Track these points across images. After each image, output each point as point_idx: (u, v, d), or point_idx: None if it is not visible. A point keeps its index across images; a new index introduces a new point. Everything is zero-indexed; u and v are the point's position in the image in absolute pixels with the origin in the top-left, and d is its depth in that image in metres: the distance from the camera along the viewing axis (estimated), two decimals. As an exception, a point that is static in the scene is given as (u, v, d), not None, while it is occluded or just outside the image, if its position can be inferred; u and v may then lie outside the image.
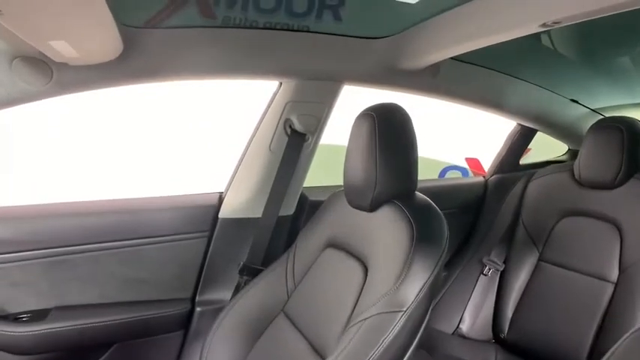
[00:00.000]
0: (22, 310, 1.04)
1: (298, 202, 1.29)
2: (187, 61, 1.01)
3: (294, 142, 1.16)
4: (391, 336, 0.74)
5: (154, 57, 0.96)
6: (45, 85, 0.89)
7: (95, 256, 1.10)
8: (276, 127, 1.15)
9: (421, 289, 0.77)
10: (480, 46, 0.97)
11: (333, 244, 1.01)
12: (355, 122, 0.94)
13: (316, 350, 0.91)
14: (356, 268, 0.91)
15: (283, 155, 1.17)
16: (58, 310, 1.06)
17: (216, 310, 1.12)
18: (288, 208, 1.26)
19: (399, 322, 0.75)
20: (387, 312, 0.77)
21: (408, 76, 1.20)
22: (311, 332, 0.95)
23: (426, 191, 0.96)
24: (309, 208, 1.29)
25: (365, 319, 0.78)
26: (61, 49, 0.74)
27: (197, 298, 1.22)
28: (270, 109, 1.16)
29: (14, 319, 1.02)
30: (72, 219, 1.10)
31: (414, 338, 0.80)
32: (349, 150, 0.94)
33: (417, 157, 0.93)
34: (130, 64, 0.93)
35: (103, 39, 0.78)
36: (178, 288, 1.20)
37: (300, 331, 0.98)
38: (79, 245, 1.08)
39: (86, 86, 0.95)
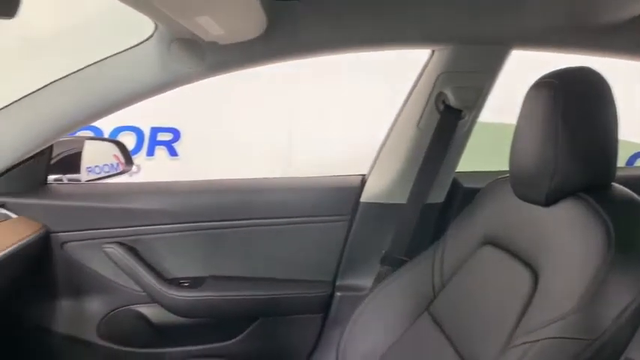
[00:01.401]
0: (183, 276, 1.14)
1: (450, 188, 1.14)
2: (333, 34, 0.95)
3: (448, 120, 1.02)
4: None
5: (298, 31, 0.93)
6: (199, 66, 0.92)
7: (247, 231, 1.15)
8: (427, 102, 1.02)
9: (621, 314, 0.57)
10: None
11: (493, 242, 0.84)
12: (529, 93, 0.74)
13: None
14: (522, 274, 0.73)
15: (433, 134, 1.03)
16: (212, 280, 1.14)
17: (356, 297, 1.07)
18: (438, 195, 1.12)
19: (583, 354, 0.57)
20: (567, 338, 0.59)
21: (603, 34, 0.93)
22: (460, 341, 0.82)
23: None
24: (463, 196, 1.14)
25: (535, 342, 0.62)
26: (207, 25, 0.74)
27: (337, 282, 1.18)
28: (419, 82, 1.03)
29: (178, 283, 1.13)
30: (229, 195, 1.17)
31: None
32: (519, 128, 0.75)
33: (616, 137, 0.70)
34: (276, 40, 0.92)
35: (246, 13, 0.77)
36: (320, 270, 1.18)
37: (447, 336, 0.86)
38: (233, 220, 1.14)
39: (236, 66, 0.97)
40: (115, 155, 1.44)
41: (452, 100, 1.00)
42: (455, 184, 1.15)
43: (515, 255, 0.77)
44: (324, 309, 1.18)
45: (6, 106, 1.00)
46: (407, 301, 0.96)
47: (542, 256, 0.71)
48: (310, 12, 0.89)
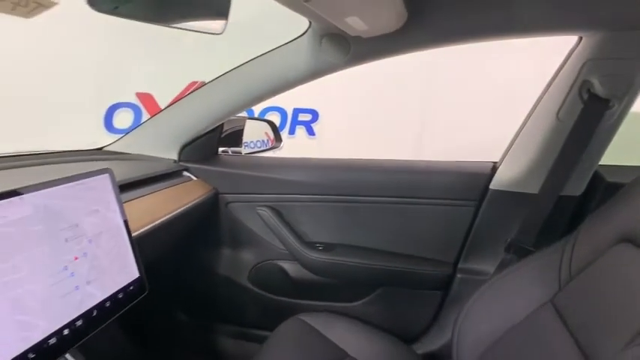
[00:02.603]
0: (318, 241, 1.30)
1: (591, 181, 1.08)
2: (474, 22, 0.97)
3: (592, 109, 0.97)
4: None
5: (435, 23, 0.97)
6: (345, 57, 1.04)
7: (377, 207, 1.25)
8: (569, 90, 0.98)
9: None
10: None
11: (631, 239, 0.81)
12: None
13: (586, 357, 0.77)
14: None
15: (575, 124, 0.99)
16: (342, 247, 1.28)
17: (477, 281, 1.10)
18: (575, 188, 1.07)
19: None
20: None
21: None
22: (582, 335, 0.81)
23: None
24: (605, 190, 1.07)
25: None
26: (354, 24, 0.85)
27: (459, 264, 1.22)
28: (563, 70, 0.99)
29: (313, 246, 1.29)
30: (365, 174, 1.28)
31: None
32: None
33: None
34: (414, 31, 0.98)
35: (389, 11, 0.85)
36: (443, 251, 1.23)
37: (568, 329, 0.85)
38: (366, 196, 1.25)
39: (377, 56, 1.06)
40: (266, 133, 1.68)
41: (598, 88, 0.95)
42: (596, 177, 1.09)
43: None
44: (444, 288, 1.23)
45: (189, 94, 1.26)
46: (530, 289, 0.96)
47: None
48: (446, 3, 0.93)
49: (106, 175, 0.76)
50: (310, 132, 3.91)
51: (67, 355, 0.65)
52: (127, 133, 1.33)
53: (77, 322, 0.64)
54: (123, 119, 3.63)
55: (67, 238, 0.65)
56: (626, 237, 0.82)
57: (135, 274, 0.78)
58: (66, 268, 0.65)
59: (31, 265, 0.59)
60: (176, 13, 0.88)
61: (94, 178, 0.73)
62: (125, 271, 0.76)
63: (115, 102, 3.60)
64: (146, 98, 3.65)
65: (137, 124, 3.66)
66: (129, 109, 3.64)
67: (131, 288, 0.76)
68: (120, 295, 0.74)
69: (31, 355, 0.57)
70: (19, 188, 0.60)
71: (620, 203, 0.87)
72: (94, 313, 0.68)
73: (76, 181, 0.70)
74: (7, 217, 0.58)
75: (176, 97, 3.63)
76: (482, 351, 0.97)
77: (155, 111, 3.66)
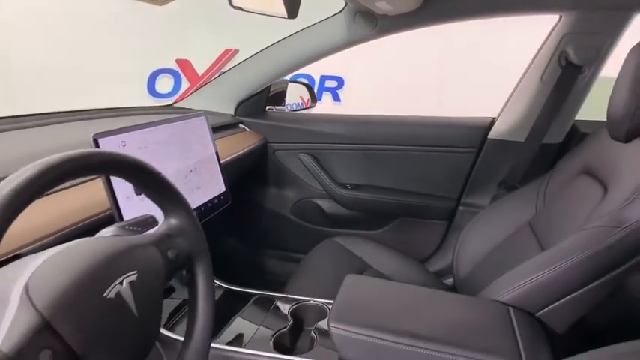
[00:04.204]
0: (348, 182, 1.61)
1: (568, 133, 1.35)
2: (474, 2, 1.22)
3: (568, 74, 1.23)
4: (597, 248, 0.83)
5: (444, 3, 1.23)
6: (373, 30, 1.31)
7: (395, 154, 1.54)
8: (550, 58, 1.24)
9: None
10: None
11: (588, 172, 1.08)
12: (628, 53, 0.95)
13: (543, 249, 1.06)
14: (598, 191, 0.98)
15: (554, 86, 1.25)
16: (367, 187, 1.58)
17: (475, 212, 1.38)
18: (555, 137, 1.35)
19: (614, 237, 0.83)
20: (605, 226, 0.85)
21: None
22: (546, 240, 1.10)
23: None
24: (579, 139, 1.33)
25: (585, 230, 0.89)
26: (382, 6, 1.12)
27: (462, 199, 1.52)
28: (546, 42, 1.25)
29: (345, 186, 1.60)
30: (385, 127, 1.56)
31: (632, 258, 0.85)
32: (617, 80, 0.97)
33: None
34: (430, 9, 1.24)
35: (409, -4, 1.12)
36: (448, 189, 1.53)
37: (537, 239, 1.14)
38: (386, 145, 1.54)
39: (399, 30, 1.33)
40: (300, 96, 1.97)
41: (574, 57, 1.20)
42: (573, 129, 1.35)
43: (598, 180, 1.01)
44: (448, 218, 1.54)
45: (245, 60, 1.55)
46: (513, 215, 1.25)
47: (613, 178, 0.94)
48: None
49: (203, 118, 1.07)
50: (336, 98, 4.17)
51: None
52: (191, 92, 1.64)
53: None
54: (164, 84, 3.95)
55: (187, 157, 0.98)
56: (585, 170, 1.09)
57: (223, 188, 1.10)
58: (186, 176, 0.97)
59: (169, 172, 0.92)
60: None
61: (197, 119, 1.05)
62: (217, 185, 1.09)
63: (156, 68, 3.91)
64: (184, 64, 3.94)
65: (177, 89, 3.99)
66: (169, 75, 3.95)
67: (221, 197, 1.09)
68: (215, 201, 1.07)
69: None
70: (156, 121, 0.92)
71: (583, 148, 1.14)
72: (202, 209, 1.01)
73: (187, 120, 1.01)
74: (152, 139, 0.90)
75: (212, 64, 3.93)
76: (473, 266, 1.27)
77: (193, 76, 3.97)
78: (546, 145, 1.34)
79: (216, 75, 1.95)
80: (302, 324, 0.96)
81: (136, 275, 0.49)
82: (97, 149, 0.56)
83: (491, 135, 1.43)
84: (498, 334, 0.79)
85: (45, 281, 0.42)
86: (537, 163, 1.35)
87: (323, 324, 0.92)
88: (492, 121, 1.44)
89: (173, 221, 0.60)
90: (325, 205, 1.63)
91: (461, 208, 1.51)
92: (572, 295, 0.87)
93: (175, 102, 1.67)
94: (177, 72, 3.92)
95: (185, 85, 3.94)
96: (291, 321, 0.92)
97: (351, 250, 1.41)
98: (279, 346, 0.86)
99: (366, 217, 1.60)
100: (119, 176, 0.53)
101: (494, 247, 1.25)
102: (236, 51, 3.85)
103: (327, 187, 1.59)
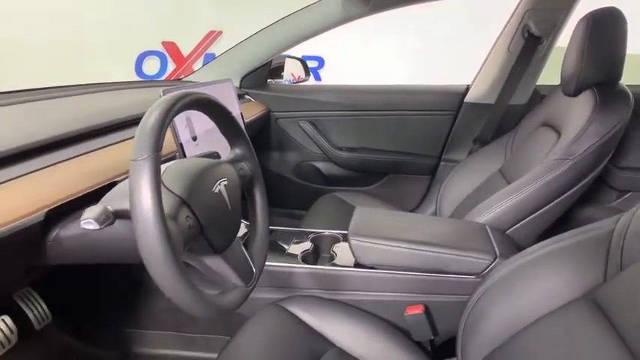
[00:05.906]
0: (344, 145, 1.82)
1: (532, 95, 1.60)
2: None
3: (530, 44, 1.47)
4: (553, 175, 1.06)
5: None
6: (365, 7, 1.51)
7: (383, 119, 1.75)
8: (515, 31, 1.48)
9: (590, 147, 1.06)
10: None
11: (546, 123, 1.32)
12: (577, 23, 1.18)
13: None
14: (553, 136, 1.20)
15: (519, 55, 1.49)
16: (360, 148, 1.80)
17: (454, 165, 1.62)
18: (520, 99, 1.59)
19: (566, 165, 1.07)
20: (559, 159, 1.09)
21: None
22: (512, 181, 1.34)
23: None
24: (540, 100, 1.58)
25: (544, 163, 1.13)
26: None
27: (442, 156, 1.76)
28: (512, 17, 1.48)
29: (341, 148, 1.81)
30: (374, 95, 1.78)
31: (578, 184, 1.10)
32: (568, 45, 1.18)
33: (623, 54, 1.12)
34: None
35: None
36: (431, 147, 1.76)
37: (508, 182, 1.37)
38: (376, 111, 1.76)
39: (390, 6, 1.53)
40: (292, 73, 2.15)
41: (534, 30, 1.44)
42: (535, 92, 1.60)
43: (554, 129, 1.25)
44: (431, 173, 1.78)
45: (248, 38, 1.72)
46: (486, 165, 1.48)
47: (565, 124, 1.18)
48: None
49: (230, 83, 1.26)
50: (317, 77, 4.35)
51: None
52: (199, 68, 1.81)
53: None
54: (151, 66, 4.04)
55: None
56: (544, 122, 1.33)
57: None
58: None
59: (209, 127, 1.11)
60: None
61: (224, 83, 1.23)
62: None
63: (143, 50, 3.99)
64: (170, 46, 4.03)
65: (164, 70, 4.06)
66: (156, 57, 4.03)
67: (245, 151, 1.28)
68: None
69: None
70: (198, 83, 1.10)
71: (543, 105, 1.38)
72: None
73: (216, 84, 1.20)
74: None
75: (197, 45, 4.04)
76: (453, 210, 1.49)
77: (179, 58, 4.07)
78: (513, 106, 1.59)
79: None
80: (319, 250, 1.18)
81: (226, 181, 0.69)
82: (199, 91, 0.73)
83: (467, 99, 1.66)
84: (477, 240, 1.03)
85: (173, 178, 0.62)
86: (506, 121, 1.59)
87: (338, 245, 1.14)
88: (467, 88, 1.68)
89: (238, 150, 0.80)
90: (323, 166, 1.84)
91: (442, 163, 1.75)
92: (536, 214, 1.11)
93: (184, 76, 1.83)
94: (164, 54, 4.01)
95: (171, 67, 4.03)
96: (312, 245, 1.13)
97: (348, 202, 1.62)
98: (306, 263, 1.08)
99: (359, 175, 1.82)
100: (206, 112, 0.73)
101: (472, 192, 1.49)
102: (220, 32, 3.97)
103: (325, 150, 1.79)
